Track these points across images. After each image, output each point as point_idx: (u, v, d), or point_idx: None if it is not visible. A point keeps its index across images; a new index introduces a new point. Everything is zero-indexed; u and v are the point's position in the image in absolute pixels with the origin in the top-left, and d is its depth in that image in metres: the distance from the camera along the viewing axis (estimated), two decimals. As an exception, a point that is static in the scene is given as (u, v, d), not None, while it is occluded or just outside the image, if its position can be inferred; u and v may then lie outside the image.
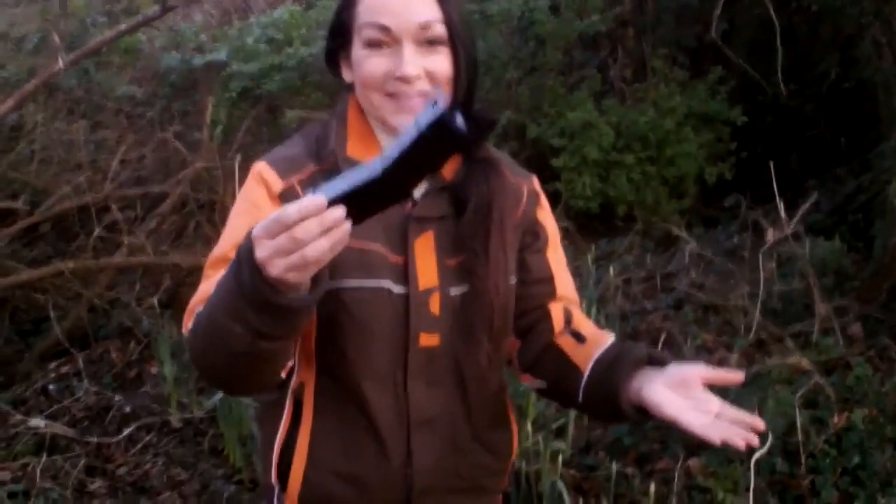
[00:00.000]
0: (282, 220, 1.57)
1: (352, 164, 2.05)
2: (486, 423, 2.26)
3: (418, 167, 1.63)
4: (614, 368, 2.06)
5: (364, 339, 2.05)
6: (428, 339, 2.11)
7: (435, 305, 2.10)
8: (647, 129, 8.67)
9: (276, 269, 1.61)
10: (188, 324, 1.99)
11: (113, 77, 8.72)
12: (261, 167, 2.13)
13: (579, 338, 2.20)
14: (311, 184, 2.06)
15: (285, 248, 1.59)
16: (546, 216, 2.33)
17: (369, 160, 1.62)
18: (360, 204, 1.62)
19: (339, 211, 1.58)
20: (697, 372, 1.93)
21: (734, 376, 1.95)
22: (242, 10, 10.60)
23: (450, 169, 2.17)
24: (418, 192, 2.15)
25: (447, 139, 1.59)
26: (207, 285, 2.00)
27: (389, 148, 1.61)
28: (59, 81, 7.33)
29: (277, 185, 2.08)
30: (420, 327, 2.10)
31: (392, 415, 2.13)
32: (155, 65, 8.82)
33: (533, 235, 2.28)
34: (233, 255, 1.89)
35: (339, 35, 2.14)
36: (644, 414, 1.98)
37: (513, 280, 2.20)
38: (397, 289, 2.08)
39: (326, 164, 2.11)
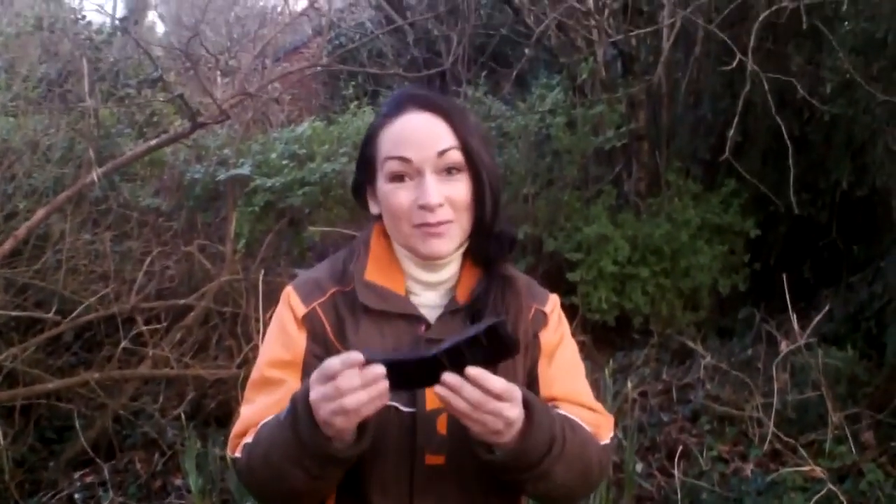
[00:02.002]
0: (326, 370, 1.82)
1: (369, 287, 2.20)
2: None
3: (461, 363, 1.82)
4: None
5: (372, 455, 2.10)
6: (434, 459, 2.15)
7: (442, 425, 2.15)
8: (662, 242, 8.75)
9: (322, 412, 1.84)
10: (236, 451, 2.19)
11: (138, 188, 8.82)
12: (288, 291, 2.29)
13: None
14: (331, 306, 2.23)
15: (329, 395, 1.82)
16: (547, 333, 2.35)
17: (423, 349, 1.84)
18: (396, 373, 1.83)
19: (379, 368, 1.81)
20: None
21: None
22: (262, 124, 10.73)
23: (464, 290, 2.27)
24: (433, 314, 2.24)
25: (497, 345, 1.81)
26: (251, 411, 2.20)
27: (447, 339, 1.83)
28: (85, 192, 7.43)
29: (300, 309, 2.23)
30: (426, 447, 2.15)
31: None
32: (179, 177, 8.91)
33: (526, 350, 2.29)
34: (269, 374, 2.19)
35: (365, 169, 2.26)
36: None
37: None
38: (405, 408, 2.13)
39: (347, 287, 2.23)
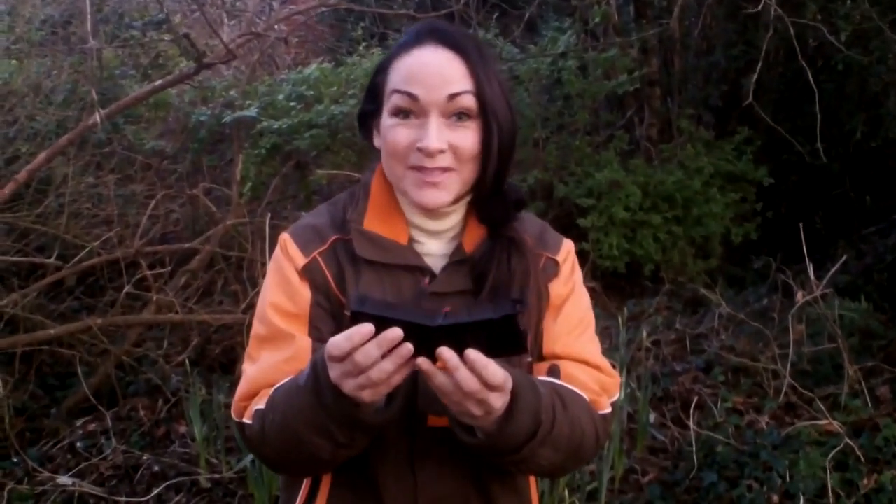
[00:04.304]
0: (336, 351, 1.68)
1: (368, 236, 2.08)
2: (503, 499, 2.20)
3: (463, 344, 1.68)
4: None
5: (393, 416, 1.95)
6: (436, 420, 2.03)
7: None
8: (674, 189, 8.69)
9: (347, 387, 1.72)
10: (244, 417, 2.06)
11: (142, 131, 8.74)
12: (285, 240, 2.14)
13: None
14: (332, 255, 2.10)
15: (350, 371, 1.68)
16: (558, 284, 2.22)
17: (433, 314, 1.70)
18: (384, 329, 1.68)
19: (396, 332, 1.65)
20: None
21: None
22: (269, 66, 10.63)
23: (471, 242, 2.13)
24: (439, 264, 2.12)
25: (508, 335, 1.68)
26: (257, 370, 2.07)
27: (459, 312, 1.71)
28: (88, 134, 7.33)
29: (300, 260, 2.09)
30: (428, 408, 2.02)
31: (399, 494, 2.08)
32: (184, 119, 8.83)
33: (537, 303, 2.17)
34: (275, 327, 2.06)
35: (373, 98, 2.12)
36: None
37: (528, 359, 2.13)
38: None
39: (347, 235, 2.10)
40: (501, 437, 1.83)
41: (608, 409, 2.17)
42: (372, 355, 1.64)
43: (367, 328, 1.64)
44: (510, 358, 1.87)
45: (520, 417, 1.82)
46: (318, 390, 1.78)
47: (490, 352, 1.69)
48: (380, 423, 1.84)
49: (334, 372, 1.71)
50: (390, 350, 1.66)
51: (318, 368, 1.78)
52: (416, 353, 1.67)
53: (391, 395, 1.84)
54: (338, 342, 1.66)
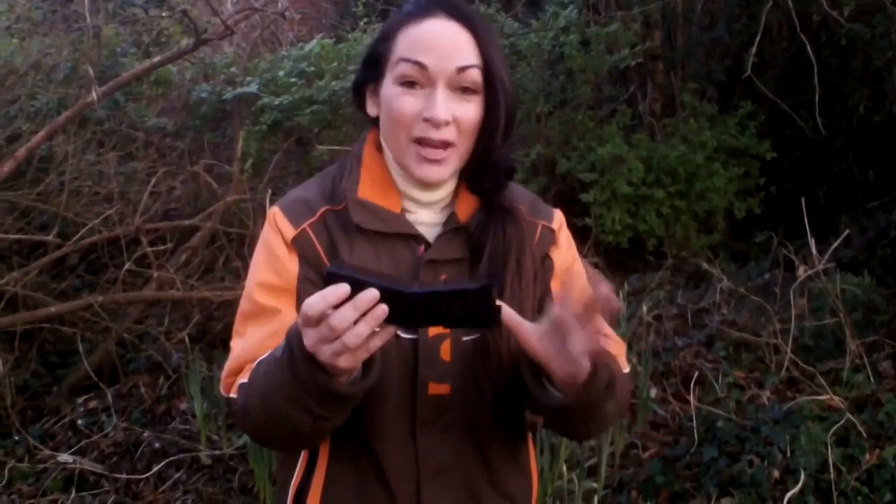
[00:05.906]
0: (311, 312, 1.64)
1: (363, 205, 2.06)
2: (503, 470, 2.19)
3: (437, 313, 1.68)
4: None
5: (371, 386, 1.92)
6: (437, 388, 2.04)
7: (446, 353, 2.04)
8: (677, 164, 8.65)
9: (323, 355, 1.68)
10: (231, 392, 2.04)
11: (143, 108, 8.73)
12: (275, 212, 2.11)
13: None
14: (322, 227, 2.08)
15: (326, 336, 1.65)
16: (560, 253, 2.24)
17: (406, 284, 1.71)
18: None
19: (372, 293, 1.63)
20: (559, 313, 1.75)
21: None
22: (272, 43, 10.60)
23: (464, 212, 2.12)
24: (432, 233, 2.11)
25: (482, 307, 1.67)
26: (243, 346, 2.06)
27: (433, 283, 1.76)
28: (89, 112, 7.32)
29: (290, 232, 2.06)
30: (429, 375, 2.03)
31: (400, 464, 2.07)
32: (185, 96, 8.82)
33: (535, 276, 2.15)
34: (260, 302, 2.04)
35: (372, 67, 2.10)
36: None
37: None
38: (406, 334, 2.01)
39: (338, 206, 2.08)
40: (588, 392, 1.83)
41: (628, 369, 2.18)
42: (347, 318, 1.62)
43: (343, 288, 1.62)
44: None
45: (601, 371, 1.82)
46: (292, 362, 1.74)
47: (462, 323, 1.71)
48: (356, 395, 1.81)
49: (309, 339, 1.67)
50: (365, 314, 1.64)
51: (292, 340, 1.75)
52: (392, 321, 1.66)
53: (367, 366, 1.81)
54: (312, 301, 1.63)
